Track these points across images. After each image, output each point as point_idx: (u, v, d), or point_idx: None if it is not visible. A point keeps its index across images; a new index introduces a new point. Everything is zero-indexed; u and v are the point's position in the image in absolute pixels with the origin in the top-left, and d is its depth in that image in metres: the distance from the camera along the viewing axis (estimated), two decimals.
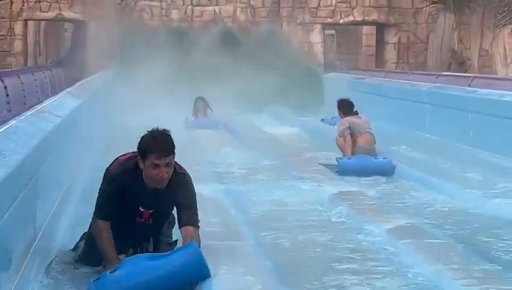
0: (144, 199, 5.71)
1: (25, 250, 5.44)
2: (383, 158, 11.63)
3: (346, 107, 12.57)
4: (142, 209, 5.75)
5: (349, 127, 12.15)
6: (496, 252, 6.93)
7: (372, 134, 12.32)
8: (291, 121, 19.21)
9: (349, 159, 11.61)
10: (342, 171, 11.25)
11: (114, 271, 5.12)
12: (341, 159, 11.64)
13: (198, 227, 5.66)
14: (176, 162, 5.68)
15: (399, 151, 13.46)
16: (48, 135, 6.66)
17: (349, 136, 12.06)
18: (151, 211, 5.75)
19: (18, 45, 24.97)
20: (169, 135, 5.62)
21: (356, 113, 12.48)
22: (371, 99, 17.65)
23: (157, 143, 5.53)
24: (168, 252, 5.37)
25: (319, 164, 11.99)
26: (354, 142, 12.11)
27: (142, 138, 5.62)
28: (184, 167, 5.83)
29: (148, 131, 5.64)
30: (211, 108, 18.43)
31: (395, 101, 17.11)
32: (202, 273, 5.20)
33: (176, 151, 5.61)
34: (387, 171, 11.24)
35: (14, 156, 5.12)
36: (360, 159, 11.55)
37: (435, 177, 10.60)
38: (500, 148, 12.47)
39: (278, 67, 22.90)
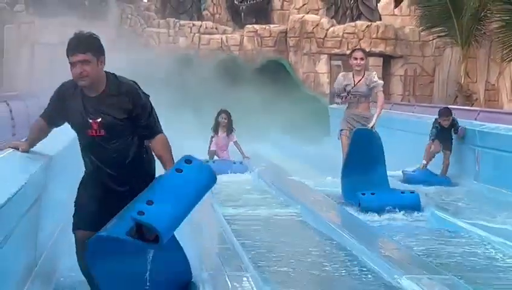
0: (86, 106, 5.67)
1: (25, 275, 5.34)
2: (410, 192, 11.23)
3: None
4: (90, 121, 5.67)
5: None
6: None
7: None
8: (295, 150, 19.13)
9: (373, 194, 10.90)
10: (366, 207, 10.74)
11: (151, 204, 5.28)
12: (363, 195, 10.92)
13: (162, 132, 5.85)
14: (122, 77, 5.78)
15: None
16: (51, 159, 6.57)
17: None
18: (98, 120, 5.67)
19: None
20: (87, 34, 5.67)
21: None
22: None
23: (69, 42, 5.63)
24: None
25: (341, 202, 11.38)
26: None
27: None
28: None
29: None
30: (234, 131, 16.23)
31: (400, 133, 17.02)
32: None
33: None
34: (413, 206, 10.79)
35: (15, 180, 5.04)
36: (383, 195, 10.96)
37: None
38: (507, 183, 12.38)
39: (284, 97, 22.84)
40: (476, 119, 14.83)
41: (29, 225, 5.44)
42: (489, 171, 13.27)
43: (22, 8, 25.60)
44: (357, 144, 11.49)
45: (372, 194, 10.92)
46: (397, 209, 10.64)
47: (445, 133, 14.44)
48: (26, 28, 25.08)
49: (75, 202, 5.98)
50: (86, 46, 5.59)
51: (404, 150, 15.18)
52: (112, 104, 5.66)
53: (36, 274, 5.63)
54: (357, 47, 13.85)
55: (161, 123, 5.94)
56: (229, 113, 16.27)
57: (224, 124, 16.05)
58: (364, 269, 7.44)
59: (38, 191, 5.82)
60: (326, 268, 7.53)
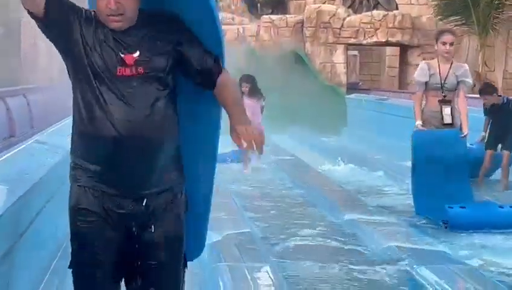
0: (110, 39, 3.68)
1: (44, 268, 5.34)
2: (510, 206, 8.93)
3: None
4: (122, 55, 3.65)
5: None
6: None
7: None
8: (313, 141, 19.10)
9: (464, 208, 8.72)
10: (455, 224, 8.61)
11: None
12: (451, 207, 8.71)
13: (225, 69, 4.06)
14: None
15: None
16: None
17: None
18: (135, 55, 3.67)
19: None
20: None
21: None
22: (394, 121, 17.50)
23: None
24: None
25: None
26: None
27: None
28: None
29: None
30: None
31: None
32: None
33: None
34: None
35: (35, 173, 5.05)
36: (478, 209, 8.87)
37: None
38: None
39: (300, 87, 22.80)
40: None
41: (48, 217, 5.43)
42: None
43: None
44: (434, 144, 9.44)
45: (462, 207, 8.75)
46: (494, 229, 8.54)
47: (499, 123, 12.17)
48: None
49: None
50: None
51: None
52: (148, 35, 3.73)
53: (55, 267, 5.59)
54: (444, 28, 11.30)
55: None
56: (252, 77, 14.87)
57: (246, 92, 14.19)
58: None
59: (58, 184, 5.57)
60: (346, 259, 7.50)
